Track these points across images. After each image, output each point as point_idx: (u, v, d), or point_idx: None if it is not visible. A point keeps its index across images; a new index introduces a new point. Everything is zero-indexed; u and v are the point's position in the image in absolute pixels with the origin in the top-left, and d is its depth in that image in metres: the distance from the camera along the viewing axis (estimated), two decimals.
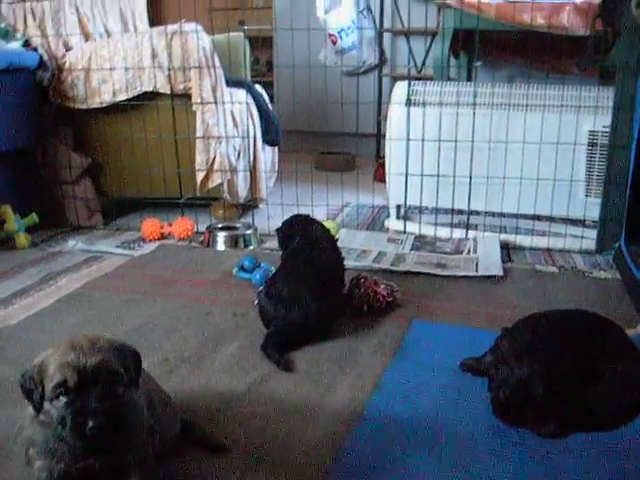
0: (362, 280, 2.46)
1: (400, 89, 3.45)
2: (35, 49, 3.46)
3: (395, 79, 5.76)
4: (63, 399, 1.23)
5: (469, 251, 3.10)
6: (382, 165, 5.16)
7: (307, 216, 2.58)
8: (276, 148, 4.23)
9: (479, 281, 2.77)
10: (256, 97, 3.94)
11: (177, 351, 2.13)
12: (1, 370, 2.02)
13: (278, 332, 2.15)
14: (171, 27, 3.39)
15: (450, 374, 1.96)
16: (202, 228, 3.44)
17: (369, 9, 5.74)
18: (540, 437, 1.67)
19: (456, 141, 3.25)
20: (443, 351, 2.12)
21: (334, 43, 5.75)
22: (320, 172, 4.96)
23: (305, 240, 2.41)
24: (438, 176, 3.31)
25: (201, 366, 2.04)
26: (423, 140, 3.29)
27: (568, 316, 1.86)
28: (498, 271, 2.82)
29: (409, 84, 3.41)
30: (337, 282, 2.36)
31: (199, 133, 3.43)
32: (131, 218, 3.74)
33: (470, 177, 3.27)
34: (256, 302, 2.44)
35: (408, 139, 3.33)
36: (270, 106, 4.13)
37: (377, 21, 5.69)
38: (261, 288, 2.41)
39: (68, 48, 3.54)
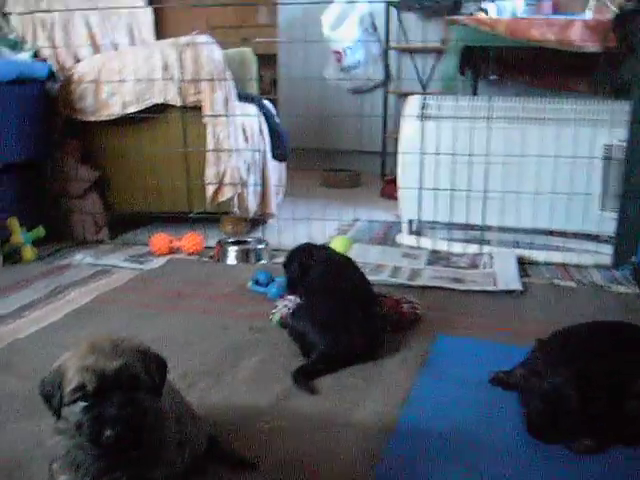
0: (382, 299, 2.40)
1: (413, 102, 3.42)
2: (45, 60, 3.42)
3: (401, 96, 5.76)
4: (81, 404, 1.16)
5: (485, 266, 3.05)
6: (389, 182, 5.13)
7: (311, 244, 2.52)
8: (284, 164, 4.20)
9: (498, 296, 2.72)
10: (265, 112, 3.91)
11: (195, 365, 2.07)
12: (12, 384, 1.96)
13: (320, 361, 2.02)
14: (183, 39, 3.36)
15: (480, 388, 1.90)
16: (211, 243, 3.39)
17: (374, 26, 5.72)
18: (576, 453, 1.61)
19: (470, 155, 3.21)
20: (470, 365, 2.05)
21: (339, 60, 5.73)
22: (326, 189, 4.93)
23: (328, 266, 2.34)
24: (452, 190, 3.27)
25: (221, 380, 1.98)
26: (438, 154, 3.25)
27: (602, 327, 1.81)
28: (517, 286, 2.77)
29: (423, 98, 3.38)
30: (375, 304, 2.27)
31: (210, 146, 3.39)
32: (138, 233, 3.69)
33: (485, 192, 3.22)
34: (276, 320, 2.38)
35: (422, 153, 3.29)
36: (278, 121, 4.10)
37: (382, 38, 5.67)
38: (285, 308, 2.36)
39: (77, 60, 3.51)
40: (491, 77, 3.64)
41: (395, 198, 4.61)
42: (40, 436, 1.60)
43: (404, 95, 5.60)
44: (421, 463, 1.56)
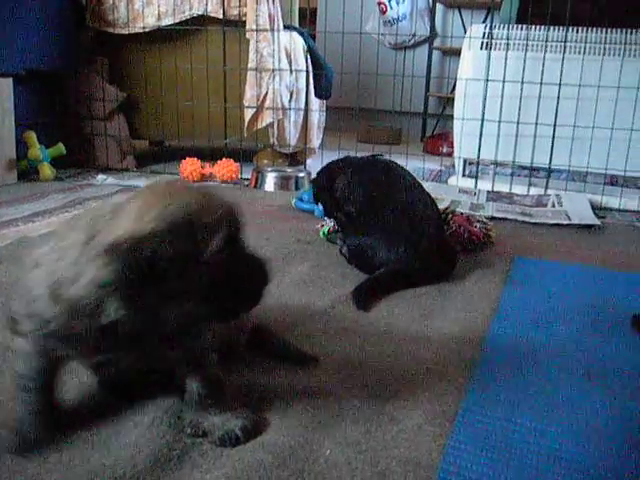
0: (451, 216, 2.06)
1: (476, 30, 3.10)
2: None
3: (445, 53, 5.43)
4: None
5: (554, 204, 2.72)
6: (433, 137, 4.80)
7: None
8: (324, 105, 3.88)
9: (574, 230, 2.39)
10: (310, 44, 3.59)
11: None
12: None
13: (387, 279, 1.69)
14: None
15: (571, 303, 1.59)
16: (247, 176, 3.07)
17: None
18: None
19: (542, 83, 2.88)
20: (554, 283, 1.75)
21: (384, 12, 5.41)
22: (365, 145, 4.59)
23: (385, 173, 1.97)
24: (518, 124, 2.93)
25: None
26: (504, 82, 2.92)
27: None
28: (595, 221, 2.45)
29: (487, 26, 3.05)
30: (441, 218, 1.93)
31: (252, 64, 3.06)
32: (167, 166, 3.36)
33: (554, 127, 2.89)
34: (324, 232, 2.07)
35: (487, 79, 2.96)
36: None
37: None
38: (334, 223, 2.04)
39: None
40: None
41: (439, 154, 4.32)
42: None
43: (449, 52, 5.30)
44: (520, 371, 1.23)
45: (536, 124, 2.91)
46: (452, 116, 3.21)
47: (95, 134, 3.26)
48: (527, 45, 2.95)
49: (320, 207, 2.28)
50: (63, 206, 2.43)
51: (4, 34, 2.76)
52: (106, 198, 2.58)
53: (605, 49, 2.89)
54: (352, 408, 1.07)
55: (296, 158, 3.46)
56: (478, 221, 2.07)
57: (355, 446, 0.96)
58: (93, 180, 2.97)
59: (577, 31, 2.94)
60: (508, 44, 2.98)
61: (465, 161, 3.18)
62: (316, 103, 3.61)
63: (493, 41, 3.03)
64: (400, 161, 2.05)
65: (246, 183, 3.01)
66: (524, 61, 2.92)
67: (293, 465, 0.91)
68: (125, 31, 3.15)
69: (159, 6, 3.08)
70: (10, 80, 2.80)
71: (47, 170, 2.92)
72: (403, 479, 0.89)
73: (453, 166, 3.32)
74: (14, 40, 2.81)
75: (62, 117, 3.22)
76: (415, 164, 3.43)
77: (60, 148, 3.01)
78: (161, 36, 3.16)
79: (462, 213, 2.11)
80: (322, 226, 2.10)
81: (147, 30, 3.13)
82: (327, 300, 1.55)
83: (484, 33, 3.07)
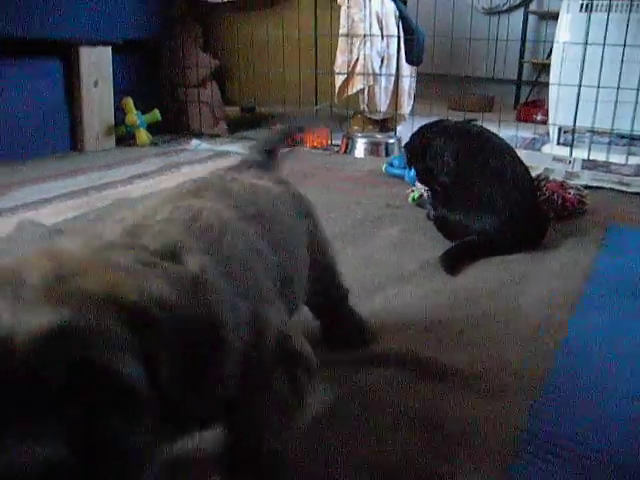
0: (544, 183, 2.02)
1: None
2: None
3: (542, 17, 5.24)
4: None
5: None
6: (527, 104, 4.68)
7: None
8: (415, 71, 3.82)
9: None
10: (402, 10, 3.54)
11: (329, 230, 1.77)
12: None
13: (477, 247, 1.67)
14: None
15: None
16: (337, 142, 3.08)
17: None
18: None
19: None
20: None
21: None
22: (456, 113, 4.52)
23: (477, 141, 1.94)
24: (618, 89, 2.82)
25: (358, 243, 1.69)
26: (604, 45, 2.80)
27: None
28: None
29: None
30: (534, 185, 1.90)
31: (343, 30, 3.05)
32: (259, 132, 3.40)
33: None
34: (415, 197, 2.07)
35: (586, 43, 2.84)
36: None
37: None
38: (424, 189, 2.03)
39: None
40: None
41: (533, 122, 4.21)
42: None
43: (546, 16, 5.11)
44: (612, 338, 1.21)
45: (638, 90, 2.79)
46: (547, 83, 3.12)
47: (189, 100, 3.33)
48: (631, 6, 2.81)
49: (411, 173, 2.28)
50: (159, 170, 2.51)
51: (104, 5, 2.84)
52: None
53: None
54: (440, 368, 1.08)
55: (386, 124, 3.44)
56: (572, 188, 2.02)
57: (443, 402, 0.97)
58: (187, 145, 3.04)
59: None
60: (610, 5, 2.85)
61: (560, 129, 3.08)
62: (407, 69, 3.56)
63: (594, 2, 2.91)
64: (493, 129, 2.01)
65: (336, 149, 3.02)
66: (627, 23, 2.79)
67: (382, 419, 0.94)
68: None
69: None
70: (109, 49, 2.89)
71: (143, 135, 3.01)
72: (487, 438, 0.90)
73: (547, 134, 3.23)
74: (112, 10, 2.89)
75: (157, 84, 3.30)
76: (508, 132, 3.33)
77: (156, 114, 3.09)
78: (253, 3, 3.19)
79: (556, 180, 2.06)
80: (412, 191, 2.10)
81: None
82: (416, 263, 1.56)
83: None
